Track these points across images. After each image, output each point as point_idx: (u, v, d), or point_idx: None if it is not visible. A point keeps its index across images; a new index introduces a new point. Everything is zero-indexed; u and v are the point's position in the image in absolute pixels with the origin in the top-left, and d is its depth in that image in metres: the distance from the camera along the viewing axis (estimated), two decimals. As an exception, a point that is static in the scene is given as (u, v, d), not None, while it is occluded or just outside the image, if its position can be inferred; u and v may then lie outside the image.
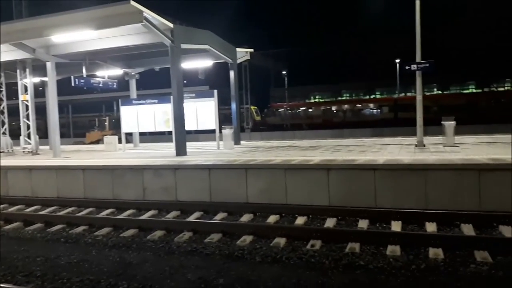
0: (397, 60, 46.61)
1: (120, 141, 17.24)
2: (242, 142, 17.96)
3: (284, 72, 52.08)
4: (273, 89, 64.31)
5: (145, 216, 8.71)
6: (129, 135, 19.22)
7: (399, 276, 4.93)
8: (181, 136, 13.05)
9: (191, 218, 8.17)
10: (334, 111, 41.40)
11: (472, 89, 56.94)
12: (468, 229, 6.64)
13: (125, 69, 18.51)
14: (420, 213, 7.41)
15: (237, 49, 17.86)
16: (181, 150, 12.82)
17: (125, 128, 16.39)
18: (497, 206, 7.37)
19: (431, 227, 6.84)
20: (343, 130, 34.01)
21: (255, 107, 45.34)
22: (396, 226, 7.00)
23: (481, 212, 7.27)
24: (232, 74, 17.19)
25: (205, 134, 18.02)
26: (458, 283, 4.62)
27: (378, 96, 59.07)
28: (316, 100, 62.22)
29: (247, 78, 41.13)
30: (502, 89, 54.11)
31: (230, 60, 17.17)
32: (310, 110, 42.88)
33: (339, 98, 59.59)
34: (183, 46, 13.10)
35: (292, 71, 56.25)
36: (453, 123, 12.06)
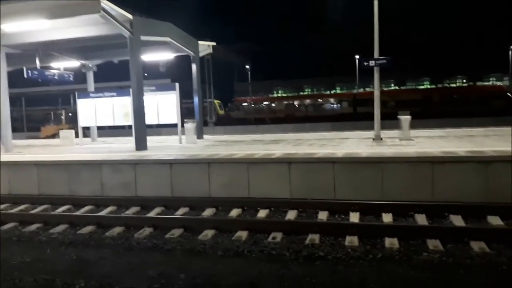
0: (357, 56, 48.24)
1: (77, 136, 16.68)
2: (205, 136, 17.69)
3: (247, 67, 52.04)
4: (236, 83, 64.16)
5: (104, 212, 8.45)
6: (86, 129, 18.39)
7: (357, 266, 5.01)
8: (141, 130, 12.70)
9: (152, 214, 7.95)
10: (296, 105, 41.95)
11: (426, 85, 58.31)
12: (421, 219, 6.74)
13: (82, 61, 17.81)
14: (377, 204, 7.46)
15: (199, 42, 17.48)
16: (141, 145, 12.51)
17: (82, 122, 15.83)
18: (449, 196, 7.54)
19: (387, 217, 6.90)
20: (305, 124, 34.08)
21: (219, 101, 44.62)
22: (354, 217, 7.06)
23: (433, 202, 7.37)
24: (194, 67, 16.87)
25: (167, 128, 17.58)
26: (412, 271, 4.71)
27: (338, 91, 59.47)
28: (279, 94, 61.99)
29: (210, 72, 40.51)
30: (454, 85, 55.66)
31: (192, 53, 16.83)
32: (273, 105, 43.13)
33: (301, 93, 59.75)
34: (143, 38, 12.78)
35: (255, 65, 56.68)
36: (408, 117, 12.20)
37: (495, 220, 6.52)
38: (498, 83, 51.57)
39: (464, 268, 4.79)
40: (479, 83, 54.41)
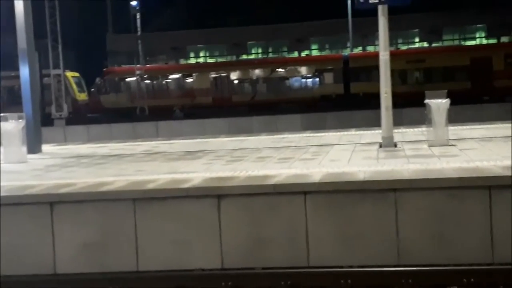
0: None
1: None
2: (46, 147, 16.01)
3: (134, 5, 43.62)
4: (112, 37, 50.78)
5: None
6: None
7: None
8: None
9: None
10: (234, 81, 36.30)
11: (481, 39, 47.48)
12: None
13: None
14: (390, 273, 6.90)
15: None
16: None
17: None
18: None
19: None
20: (252, 118, 29.02)
21: (76, 74, 37.62)
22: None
23: (496, 267, 6.82)
24: (20, 6, 14.26)
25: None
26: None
27: (314, 53, 48.76)
28: (199, 60, 50.39)
29: (56, 16, 31.39)
30: None
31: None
32: (187, 81, 36.91)
33: (243, 57, 49.64)
34: None
35: (153, 4, 48.01)
36: (445, 101, 11.15)
37: None
38: None
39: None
40: None
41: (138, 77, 36.38)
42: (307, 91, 34.71)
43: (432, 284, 6.88)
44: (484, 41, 47.40)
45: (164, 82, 37.31)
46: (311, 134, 16.06)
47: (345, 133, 15.84)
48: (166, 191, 8.35)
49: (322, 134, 16.03)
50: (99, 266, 8.24)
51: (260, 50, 52.00)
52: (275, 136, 16.13)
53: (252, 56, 50.87)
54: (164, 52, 49.83)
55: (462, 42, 46.95)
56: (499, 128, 14.12)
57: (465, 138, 12.55)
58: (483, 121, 17.23)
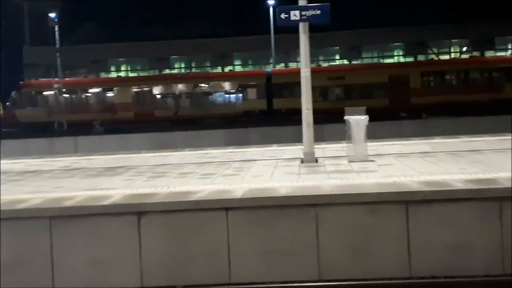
0: (271, 2, 38.53)
1: None
2: None
3: (53, 17, 42.74)
4: (29, 49, 49.58)
5: None
6: None
7: None
8: None
9: None
10: (157, 96, 36.54)
11: (400, 56, 48.74)
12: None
13: None
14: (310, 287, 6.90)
15: None
16: None
17: None
18: (440, 268, 7.19)
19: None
20: (175, 133, 29.14)
21: None
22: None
23: (412, 281, 6.91)
24: None
25: None
26: None
27: (238, 69, 48.69)
28: (121, 75, 50.10)
29: None
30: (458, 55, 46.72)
31: None
32: (108, 95, 37.02)
33: (167, 72, 49.62)
34: None
35: (72, 17, 47.11)
36: (364, 117, 11.26)
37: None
38: None
39: None
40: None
41: (56, 90, 35.56)
42: (230, 107, 35.18)
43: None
44: (402, 59, 49.89)
45: (83, 96, 36.67)
46: (234, 150, 16.29)
47: (268, 148, 16.05)
48: (84, 208, 8.11)
49: (245, 149, 16.28)
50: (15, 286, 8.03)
51: (183, 65, 52.01)
52: (198, 152, 16.24)
53: (175, 71, 51.01)
54: (84, 65, 48.41)
55: (381, 60, 49.16)
56: (416, 144, 14.66)
57: (384, 154, 12.94)
58: (401, 137, 17.65)
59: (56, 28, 39.43)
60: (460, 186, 7.78)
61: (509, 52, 49.09)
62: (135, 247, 7.94)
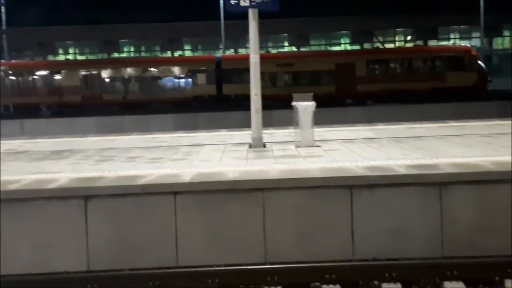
0: None
1: None
2: None
3: None
4: None
5: None
6: None
7: None
8: None
9: None
10: (105, 80, 36.01)
11: (347, 45, 49.82)
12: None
13: None
14: (256, 271, 6.80)
15: None
16: None
17: None
18: (382, 249, 7.17)
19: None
20: (123, 117, 28.77)
21: None
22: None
23: (355, 264, 6.93)
24: None
25: None
26: None
27: (188, 54, 49.15)
28: (69, 58, 49.86)
29: None
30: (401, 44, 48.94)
31: None
32: (55, 78, 36.39)
33: (114, 56, 48.91)
34: None
35: None
36: (311, 104, 11.40)
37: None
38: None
39: None
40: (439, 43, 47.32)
41: (1, 73, 34.39)
42: (180, 92, 34.77)
43: (296, 280, 6.93)
44: (349, 47, 50.31)
45: (30, 78, 35.36)
46: (183, 134, 16.08)
47: (217, 133, 15.94)
48: (29, 191, 7.91)
49: (194, 134, 16.09)
50: None
51: (132, 49, 51.28)
52: (146, 136, 15.95)
53: (124, 55, 50.17)
54: (31, 48, 47.12)
55: (328, 48, 49.33)
56: (361, 130, 14.75)
57: (330, 140, 12.93)
58: (347, 123, 17.88)
59: (3, 9, 37.70)
60: (402, 171, 7.83)
61: (451, 42, 50.09)
62: (82, 231, 7.86)
